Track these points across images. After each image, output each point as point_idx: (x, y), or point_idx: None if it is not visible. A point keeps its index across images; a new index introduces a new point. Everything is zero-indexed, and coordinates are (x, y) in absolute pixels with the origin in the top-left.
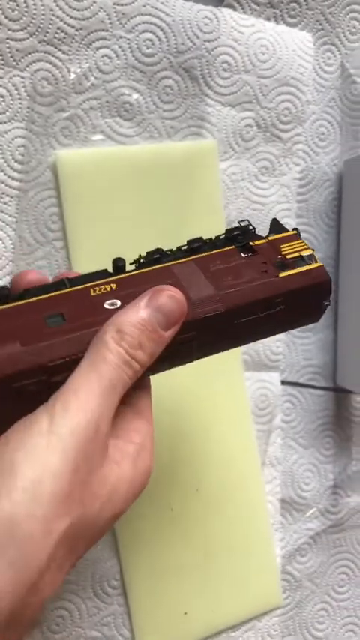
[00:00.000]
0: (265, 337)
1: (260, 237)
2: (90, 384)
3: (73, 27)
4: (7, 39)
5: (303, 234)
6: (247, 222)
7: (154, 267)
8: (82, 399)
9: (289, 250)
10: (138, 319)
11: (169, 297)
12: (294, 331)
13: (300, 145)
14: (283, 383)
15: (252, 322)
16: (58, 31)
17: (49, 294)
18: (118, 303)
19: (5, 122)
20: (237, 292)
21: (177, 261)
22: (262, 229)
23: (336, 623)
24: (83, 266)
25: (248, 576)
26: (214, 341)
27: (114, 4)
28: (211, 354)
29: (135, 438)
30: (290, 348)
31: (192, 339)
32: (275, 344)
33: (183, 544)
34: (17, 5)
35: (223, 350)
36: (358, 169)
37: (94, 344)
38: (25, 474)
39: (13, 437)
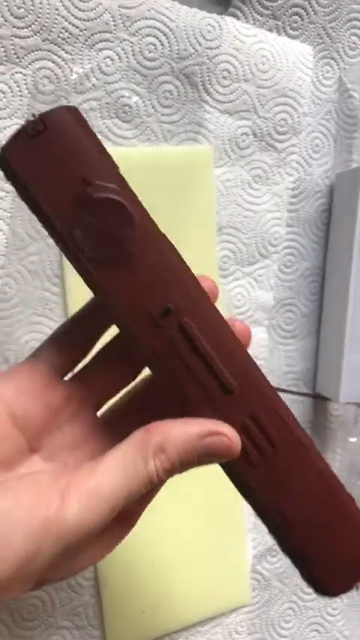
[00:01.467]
0: None
1: None
2: (113, 478)
3: (77, 27)
4: (12, 36)
5: (292, 243)
6: None
7: None
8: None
9: None
10: (184, 444)
11: (224, 443)
12: (277, 337)
13: (294, 156)
14: None
15: None
16: (63, 31)
17: None
18: None
19: (5, 118)
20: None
21: None
22: (253, 236)
23: (301, 623)
24: None
25: (219, 574)
26: None
27: (119, 6)
28: None
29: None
30: (273, 354)
31: None
32: (259, 349)
33: (158, 540)
34: (23, 3)
35: None
36: (349, 183)
37: (135, 441)
38: None
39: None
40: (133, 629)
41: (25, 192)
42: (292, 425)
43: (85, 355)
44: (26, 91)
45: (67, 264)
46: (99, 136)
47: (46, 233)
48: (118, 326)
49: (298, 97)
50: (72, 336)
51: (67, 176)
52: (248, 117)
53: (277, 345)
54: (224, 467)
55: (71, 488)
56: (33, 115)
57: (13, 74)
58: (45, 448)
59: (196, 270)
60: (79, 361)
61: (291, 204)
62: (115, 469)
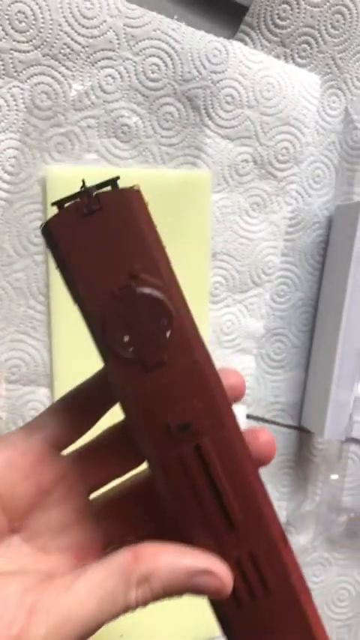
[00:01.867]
0: None
1: None
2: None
3: (79, 44)
4: (11, 49)
5: (286, 273)
6: None
7: None
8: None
9: None
10: (171, 578)
11: (214, 585)
12: (266, 366)
13: (294, 185)
14: (249, 417)
15: None
16: (64, 47)
17: None
18: None
19: None
20: None
21: None
22: (247, 264)
23: None
24: (60, 283)
25: (186, 605)
26: None
27: (124, 25)
28: None
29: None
30: (259, 383)
31: None
32: (245, 378)
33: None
34: (26, 17)
35: None
36: (349, 216)
37: (118, 565)
38: None
39: None
40: None
41: (63, 267)
42: (293, 573)
43: (85, 431)
44: (23, 106)
45: (54, 282)
46: (95, 155)
47: (33, 250)
48: (128, 423)
49: (302, 126)
50: (73, 410)
51: (113, 264)
52: (250, 144)
53: (265, 374)
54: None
55: (40, 607)
56: (88, 190)
57: (10, 88)
58: (26, 529)
59: (187, 295)
60: (78, 436)
61: (287, 234)
62: (92, 594)
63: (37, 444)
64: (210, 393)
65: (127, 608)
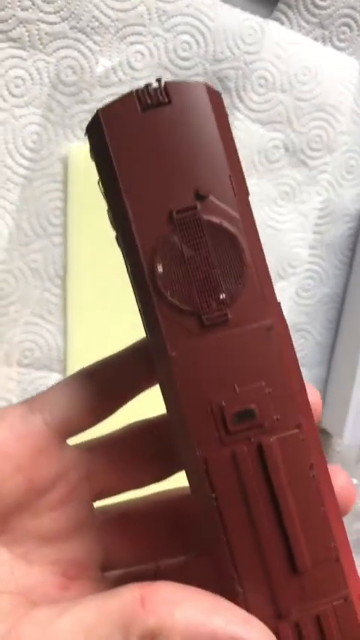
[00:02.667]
0: None
1: None
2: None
3: (109, 17)
4: (38, 20)
5: (313, 267)
6: None
7: None
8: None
9: None
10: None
11: None
12: None
13: (326, 175)
14: None
15: None
16: (93, 20)
17: None
18: None
19: (22, 106)
20: None
21: None
22: (272, 256)
23: None
24: (78, 266)
25: None
26: None
27: None
28: None
29: None
30: None
31: None
32: None
33: None
34: None
35: None
36: None
37: (118, 608)
38: None
39: None
40: None
41: (107, 175)
42: None
43: (104, 416)
44: (47, 80)
45: (71, 265)
46: None
47: (52, 231)
48: (168, 405)
49: (337, 113)
50: (93, 387)
51: (175, 177)
52: (281, 129)
53: None
54: None
55: None
56: (157, 81)
57: (35, 61)
58: (9, 533)
59: None
60: (93, 423)
61: (316, 226)
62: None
63: (38, 427)
64: (285, 376)
65: None
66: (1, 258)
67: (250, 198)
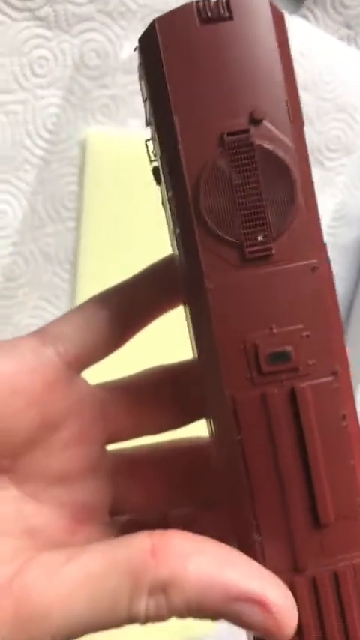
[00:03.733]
0: None
1: None
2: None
3: (136, 2)
4: (66, 1)
5: None
6: None
7: None
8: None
9: None
10: (200, 596)
11: (265, 622)
12: None
13: (342, 177)
14: None
15: None
16: (120, 4)
17: None
18: None
19: (44, 87)
20: None
21: None
22: None
23: None
24: (90, 252)
25: None
26: None
27: None
28: None
29: None
30: None
31: None
32: None
33: None
34: None
35: None
36: None
37: (127, 559)
38: None
39: None
40: None
41: (157, 88)
42: None
43: (116, 347)
44: (70, 62)
45: (83, 250)
46: (139, 122)
47: (66, 215)
48: (198, 340)
49: (358, 115)
50: (103, 316)
51: (230, 98)
52: None
53: None
54: None
55: (14, 588)
56: None
57: (60, 42)
58: (19, 471)
59: None
60: (108, 352)
61: (330, 228)
62: (83, 590)
63: (51, 360)
64: (325, 321)
65: (131, 620)
66: (14, 239)
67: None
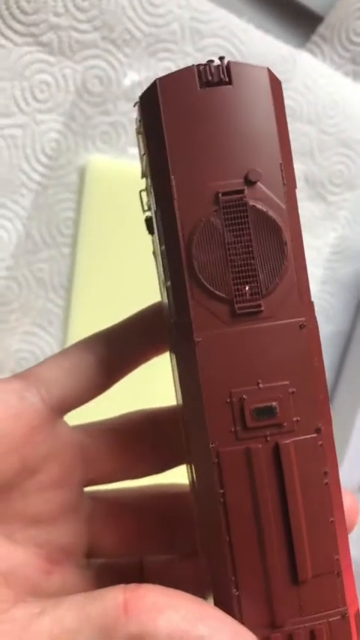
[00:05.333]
0: None
1: None
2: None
3: (141, 31)
4: (70, 27)
5: (320, 302)
6: None
7: None
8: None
9: None
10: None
11: None
12: None
13: (344, 212)
14: None
15: None
16: (125, 32)
17: None
18: None
19: (44, 112)
20: None
21: None
22: None
23: None
24: (84, 279)
25: None
26: None
27: (191, 18)
28: None
29: None
30: None
31: None
32: None
33: None
34: None
35: None
36: None
37: (100, 613)
38: None
39: None
40: None
41: (155, 146)
42: None
43: (99, 392)
44: (73, 88)
45: (77, 276)
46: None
47: (61, 241)
48: (183, 391)
49: None
50: (88, 361)
51: (225, 159)
52: (303, 161)
53: None
54: None
55: None
56: (220, 59)
57: (62, 67)
58: None
59: None
60: (89, 398)
61: (328, 262)
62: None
63: (34, 404)
64: (311, 378)
65: None
66: (7, 264)
67: None
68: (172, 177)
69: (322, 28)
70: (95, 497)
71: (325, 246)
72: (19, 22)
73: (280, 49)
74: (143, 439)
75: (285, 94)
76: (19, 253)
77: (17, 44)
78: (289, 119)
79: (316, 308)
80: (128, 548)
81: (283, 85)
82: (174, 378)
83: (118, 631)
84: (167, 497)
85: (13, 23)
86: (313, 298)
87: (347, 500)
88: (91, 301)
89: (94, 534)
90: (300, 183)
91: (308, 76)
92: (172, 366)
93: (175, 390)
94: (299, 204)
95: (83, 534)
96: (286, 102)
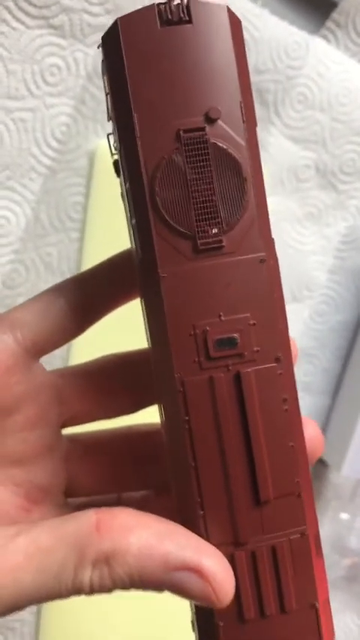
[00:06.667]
0: None
1: None
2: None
3: None
4: (82, 10)
5: (330, 292)
6: None
7: None
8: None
9: None
10: (141, 566)
11: (203, 590)
12: None
13: (354, 201)
14: None
15: None
16: None
17: None
18: None
19: (55, 95)
20: None
21: None
22: (290, 276)
23: None
24: (93, 263)
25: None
26: None
27: None
28: None
29: None
30: None
31: None
32: None
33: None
34: None
35: None
36: None
37: (74, 534)
38: None
39: None
40: None
41: (117, 86)
42: (321, 595)
43: (74, 335)
44: (84, 72)
45: (85, 261)
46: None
47: (70, 226)
48: (150, 327)
49: None
50: (62, 305)
51: (186, 97)
52: (315, 149)
53: None
54: None
55: None
56: None
57: (73, 51)
58: None
59: None
60: (66, 339)
61: (338, 251)
62: (32, 561)
63: (10, 346)
64: (271, 310)
65: (77, 590)
66: (15, 247)
67: (273, 216)
68: (135, 115)
69: (336, 14)
70: (72, 438)
71: (335, 235)
72: (30, 3)
73: (294, 35)
74: (116, 380)
75: (297, 80)
76: (28, 237)
77: (29, 27)
78: (301, 107)
79: (325, 298)
80: (105, 486)
81: (296, 72)
82: (144, 320)
83: (91, 548)
84: (141, 435)
85: (25, 5)
86: (323, 288)
87: (310, 429)
88: None
89: (72, 473)
90: (311, 172)
91: (321, 62)
92: (142, 308)
93: (146, 332)
94: (309, 192)
95: (61, 474)
96: (300, 89)
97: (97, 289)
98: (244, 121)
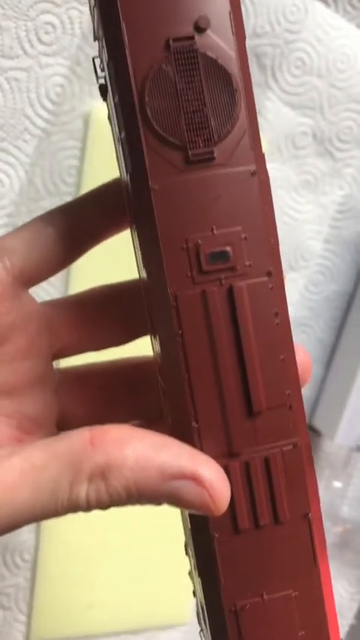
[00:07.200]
0: None
1: None
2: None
3: None
4: None
5: (325, 262)
6: None
7: None
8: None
9: None
10: (138, 478)
11: (199, 497)
12: None
13: (351, 170)
14: None
15: None
16: None
17: None
18: None
19: (49, 55)
20: None
21: None
22: (285, 245)
23: None
24: None
25: (161, 586)
26: None
27: None
28: None
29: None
30: None
31: None
32: None
33: (106, 538)
34: None
35: None
36: None
37: (69, 449)
38: None
39: None
40: (61, 621)
41: (105, 2)
42: (314, 505)
43: (63, 265)
44: (79, 31)
45: None
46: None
47: (64, 190)
48: (142, 246)
49: None
50: (51, 234)
51: (176, 6)
52: (312, 115)
53: None
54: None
55: None
56: None
57: (68, 9)
58: None
59: None
60: (55, 270)
61: (334, 220)
62: (27, 478)
63: None
64: (262, 224)
65: (73, 506)
66: (9, 211)
67: (271, 182)
68: (123, 24)
69: None
70: (63, 370)
71: (331, 204)
72: None
73: None
74: (107, 310)
75: (295, 45)
76: (21, 201)
77: None
78: (299, 72)
79: (320, 267)
80: (97, 417)
81: (294, 36)
82: (134, 249)
83: (86, 463)
84: (132, 366)
85: None
86: (318, 257)
87: (300, 354)
88: (92, 250)
89: (64, 405)
90: (308, 139)
91: (320, 27)
92: (133, 239)
93: (136, 254)
94: (306, 160)
95: (53, 405)
96: (297, 54)
97: (86, 218)
98: (233, 33)
